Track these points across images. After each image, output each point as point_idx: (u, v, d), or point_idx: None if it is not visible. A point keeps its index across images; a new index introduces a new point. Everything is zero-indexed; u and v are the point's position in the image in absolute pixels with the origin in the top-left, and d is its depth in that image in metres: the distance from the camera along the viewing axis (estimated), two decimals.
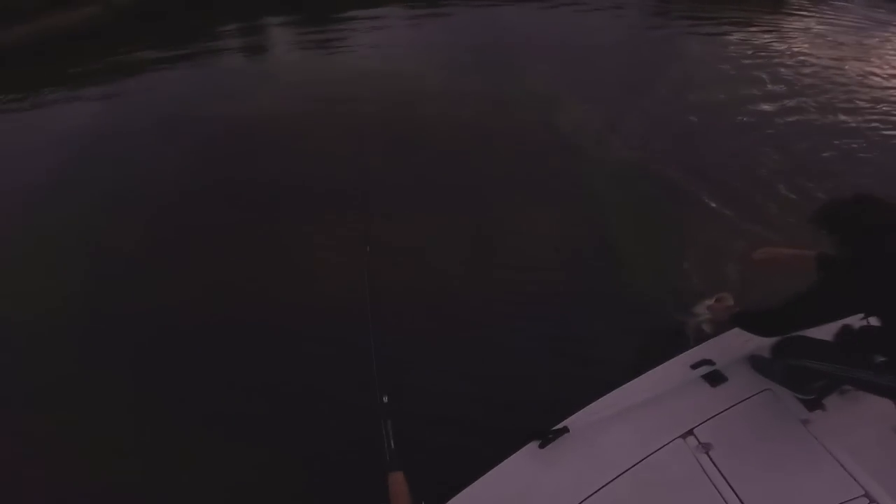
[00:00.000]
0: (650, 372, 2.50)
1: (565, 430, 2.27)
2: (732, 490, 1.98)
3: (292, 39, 10.24)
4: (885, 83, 7.08)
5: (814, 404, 2.27)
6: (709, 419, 2.23)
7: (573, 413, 2.36)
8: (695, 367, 2.50)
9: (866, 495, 1.95)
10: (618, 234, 4.56)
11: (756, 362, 2.51)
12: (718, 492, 1.99)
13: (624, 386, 2.44)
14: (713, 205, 4.82)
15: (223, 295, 4.20)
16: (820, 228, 2.07)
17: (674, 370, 2.50)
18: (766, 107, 6.55)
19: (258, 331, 3.87)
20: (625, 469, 2.11)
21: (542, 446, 2.24)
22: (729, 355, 2.54)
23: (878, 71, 7.43)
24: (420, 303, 3.98)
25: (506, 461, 2.24)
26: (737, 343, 2.59)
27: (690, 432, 2.19)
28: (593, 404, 2.38)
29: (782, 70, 7.47)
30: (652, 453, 2.14)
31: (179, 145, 6.32)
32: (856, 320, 2.12)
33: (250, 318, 3.97)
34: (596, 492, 2.06)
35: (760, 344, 2.54)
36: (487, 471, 2.21)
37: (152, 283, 4.38)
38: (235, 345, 3.78)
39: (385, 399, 2.18)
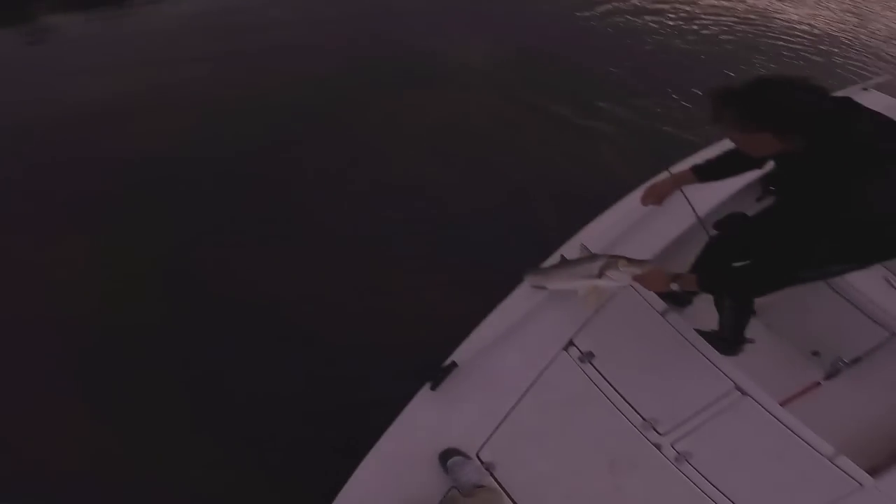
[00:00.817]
0: (518, 289, 2.46)
1: (454, 365, 2.17)
2: (622, 397, 2.08)
3: None
4: None
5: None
6: (583, 326, 2.28)
7: (458, 346, 2.28)
8: None
9: (736, 387, 2.12)
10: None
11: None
12: (611, 402, 2.07)
13: (498, 307, 2.40)
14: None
15: None
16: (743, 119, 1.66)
17: None
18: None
19: None
20: (522, 393, 2.11)
21: (434, 388, 2.12)
22: (577, 253, 2.50)
23: None
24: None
25: (402, 413, 2.10)
26: (579, 240, 2.58)
27: (571, 343, 2.23)
28: (474, 333, 2.31)
29: None
30: (542, 372, 2.16)
31: None
32: None
33: None
34: (501, 422, 2.05)
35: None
36: (385, 429, 2.06)
37: None
38: None
39: None
